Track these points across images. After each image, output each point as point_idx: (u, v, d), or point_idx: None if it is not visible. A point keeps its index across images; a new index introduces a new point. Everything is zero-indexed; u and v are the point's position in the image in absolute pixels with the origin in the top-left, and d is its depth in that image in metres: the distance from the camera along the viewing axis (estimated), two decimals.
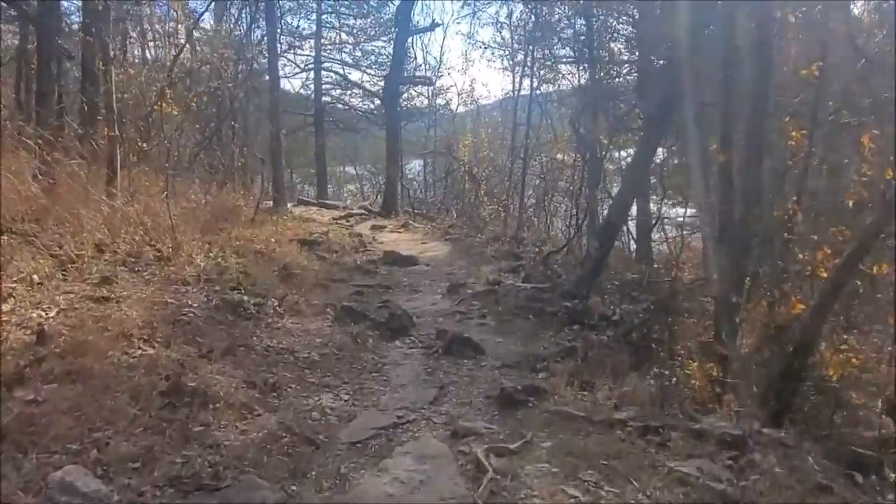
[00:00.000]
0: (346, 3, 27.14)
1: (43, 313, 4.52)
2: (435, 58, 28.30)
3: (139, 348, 4.35)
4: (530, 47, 15.66)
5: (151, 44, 14.01)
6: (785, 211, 6.75)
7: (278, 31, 24.12)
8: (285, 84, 30.06)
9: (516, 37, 17.67)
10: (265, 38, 13.56)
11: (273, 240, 9.38)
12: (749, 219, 6.14)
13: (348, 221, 15.55)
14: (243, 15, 14.40)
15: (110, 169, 8.07)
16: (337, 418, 4.10)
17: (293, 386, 4.52)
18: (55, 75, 7.93)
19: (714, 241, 6.51)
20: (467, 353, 5.53)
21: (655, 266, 10.21)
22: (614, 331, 6.78)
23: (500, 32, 19.69)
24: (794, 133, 6.41)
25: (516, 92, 16.75)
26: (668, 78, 6.79)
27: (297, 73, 28.48)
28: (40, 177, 7.26)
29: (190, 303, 5.43)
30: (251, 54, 12.70)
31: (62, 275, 5.37)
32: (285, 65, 25.65)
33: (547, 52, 15.22)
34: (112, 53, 8.27)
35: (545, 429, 3.92)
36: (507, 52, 17.95)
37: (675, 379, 5.40)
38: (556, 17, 15.02)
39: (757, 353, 5.98)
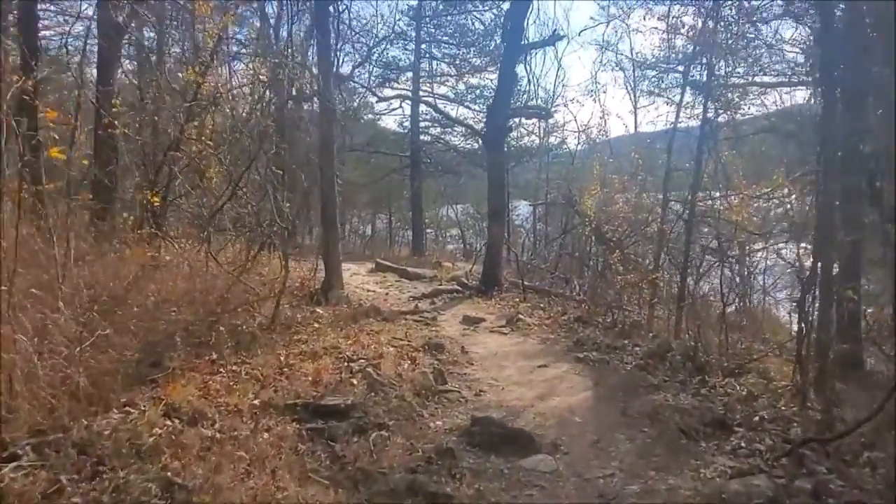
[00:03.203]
0: (449, 30, 22.79)
1: None
2: (545, 89, 22.89)
3: None
4: (699, 61, 10.35)
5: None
6: None
7: (353, 56, 19.96)
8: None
9: (671, 53, 12.39)
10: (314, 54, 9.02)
11: (251, 416, 4.48)
12: None
13: (433, 304, 10.59)
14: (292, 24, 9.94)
15: None
16: None
17: None
18: None
19: None
20: None
21: None
22: None
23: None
24: None
25: (673, 124, 11.27)
26: None
27: (392, 110, 24.38)
28: None
29: None
30: (290, 73, 8.14)
31: None
32: (377, 101, 21.48)
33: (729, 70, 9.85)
34: None
35: None
36: (657, 73, 12.63)
37: None
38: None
39: None
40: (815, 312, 7.49)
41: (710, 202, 10.74)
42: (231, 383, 4.86)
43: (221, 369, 5.14)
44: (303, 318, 7.59)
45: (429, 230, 29.24)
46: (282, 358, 5.67)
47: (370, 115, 26.24)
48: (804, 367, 7.00)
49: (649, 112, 35.17)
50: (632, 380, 6.63)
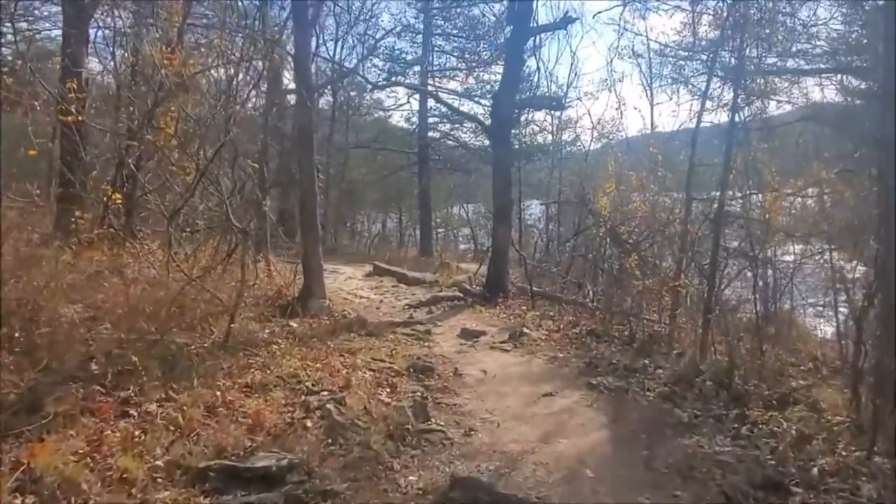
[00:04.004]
0: (459, 23, 21.53)
1: None
2: (557, 83, 21.23)
3: None
4: (727, 46, 9.03)
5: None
6: None
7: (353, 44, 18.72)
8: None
9: (695, 38, 11.07)
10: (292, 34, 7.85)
11: (143, 488, 3.29)
12: None
13: (430, 314, 9.38)
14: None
15: None
16: None
17: None
18: None
19: None
20: None
21: None
22: None
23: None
24: None
25: (697, 114, 9.92)
26: None
27: (400, 106, 23.27)
28: None
29: None
30: (261, 51, 6.97)
31: None
32: (372, 88, 20.35)
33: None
34: None
35: None
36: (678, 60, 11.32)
37: None
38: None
39: None
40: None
41: (739, 200, 9.42)
42: (138, 432, 3.69)
43: (133, 410, 3.96)
44: (270, 333, 6.40)
45: (440, 230, 27.98)
46: (220, 392, 4.47)
47: (380, 112, 25.10)
48: (860, 398, 5.75)
49: (668, 106, 33.34)
50: (656, 415, 5.37)
